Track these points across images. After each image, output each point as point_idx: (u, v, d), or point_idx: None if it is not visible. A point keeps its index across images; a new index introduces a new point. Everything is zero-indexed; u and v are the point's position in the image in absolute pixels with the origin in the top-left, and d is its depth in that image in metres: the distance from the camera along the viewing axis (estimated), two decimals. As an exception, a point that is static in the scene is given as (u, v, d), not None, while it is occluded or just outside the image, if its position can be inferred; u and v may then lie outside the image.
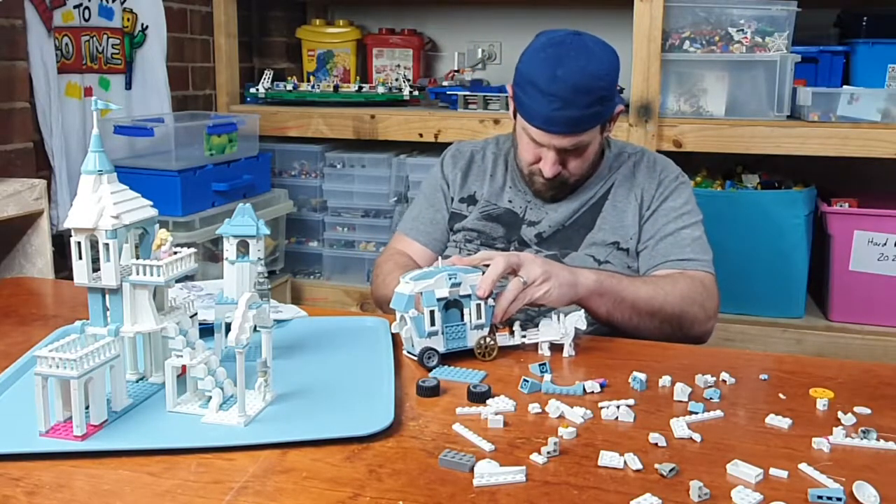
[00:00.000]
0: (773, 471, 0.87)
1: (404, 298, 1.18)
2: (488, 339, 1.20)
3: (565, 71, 1.43)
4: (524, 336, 1.23)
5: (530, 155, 1.54)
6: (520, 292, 1.26)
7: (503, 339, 1.22)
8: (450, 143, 1.81)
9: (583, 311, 1.24)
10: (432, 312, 1.17)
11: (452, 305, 1.20)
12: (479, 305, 1.19)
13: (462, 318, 1.20)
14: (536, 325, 1.24)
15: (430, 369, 1.15)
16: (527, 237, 1.60)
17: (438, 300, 1.18)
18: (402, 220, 1.76)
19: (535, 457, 0.90)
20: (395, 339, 1.25)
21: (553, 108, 1.44)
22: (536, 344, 1.23)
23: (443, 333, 1.19)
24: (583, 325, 1.21)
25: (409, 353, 1.21)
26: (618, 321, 1.40)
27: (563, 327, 1.21)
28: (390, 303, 1.32)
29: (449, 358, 1.19)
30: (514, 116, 1.57)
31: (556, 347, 1.23)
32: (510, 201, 1.64)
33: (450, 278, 1.19)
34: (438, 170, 1.74)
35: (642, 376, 1.11)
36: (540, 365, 1.15)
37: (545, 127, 1.47)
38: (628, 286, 1.39)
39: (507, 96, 2.52)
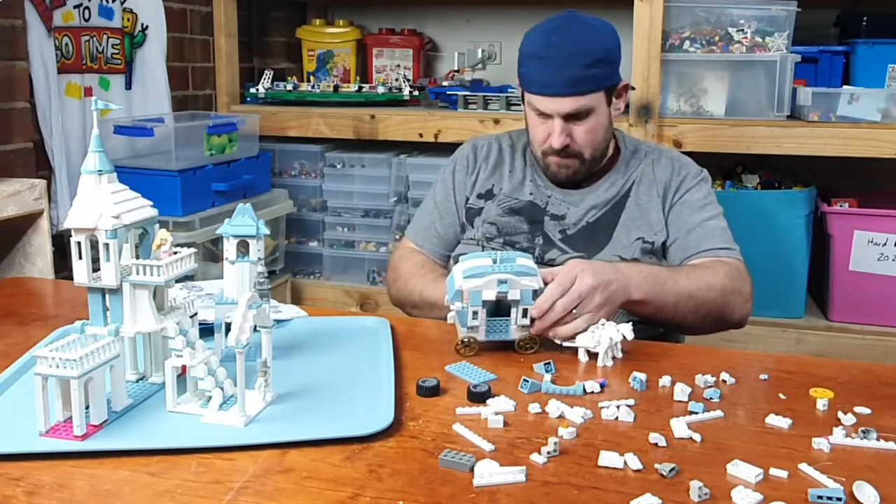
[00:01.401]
0: (773, 471, 0.87)
1: (453, 290, 1.20)
2: (532, 335, 1.21)
3: (560, 36, 1.49)
4: (563, 341, 1.22)
5: (540, 133, 1.55)
6: (568, 308, 1.22)
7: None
8: (453, 143, 1.81)
9: (629, 324, 1.20)
10: (475, 311, 1.18)
11: (501, 301, 1.20)
12: (525, 310, 1.19)
13: (508, 314, 1.21)
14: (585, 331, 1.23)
15: (464, 345, 1.19)
16: (551, 233, 1.59)
17: (484, 302, 1.19)
18: (413, 225, 1.74)
19: (535, 456, 0.90)
20: (396, 338, 1.26)
21: (550, 70, 1.48)
22: (575, 349, 1.21)
23: (485, 325, 1.20)
24: (617, 338, 1.18)
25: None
26: (659, 321, 1.43)
27: (599, 337, 1.19)
28: (414, 305, 1.52)
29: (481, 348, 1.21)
30: (523, 101, 1.59)
31: (595, 354, 1.20)
32: (531, 194, 1.63)
33: (499, 284, 1.18)
34: (450, 176, 1.72)
35: (642, 376, 1.11)
36: (545, 364, 1.15)
37: (544, 90, 1.50)
38: (672, 288, 1.38)
39: (506, 96, 2.56)
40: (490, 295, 1.18)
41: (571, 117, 1.51)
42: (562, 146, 1.52)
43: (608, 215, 1.59)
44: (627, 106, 2.49)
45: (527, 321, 1.20)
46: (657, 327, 1.48)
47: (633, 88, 2.68)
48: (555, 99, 1.49)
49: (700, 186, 1.61)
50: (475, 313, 1.19)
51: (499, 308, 1.21)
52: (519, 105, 2.37)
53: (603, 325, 1.21)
